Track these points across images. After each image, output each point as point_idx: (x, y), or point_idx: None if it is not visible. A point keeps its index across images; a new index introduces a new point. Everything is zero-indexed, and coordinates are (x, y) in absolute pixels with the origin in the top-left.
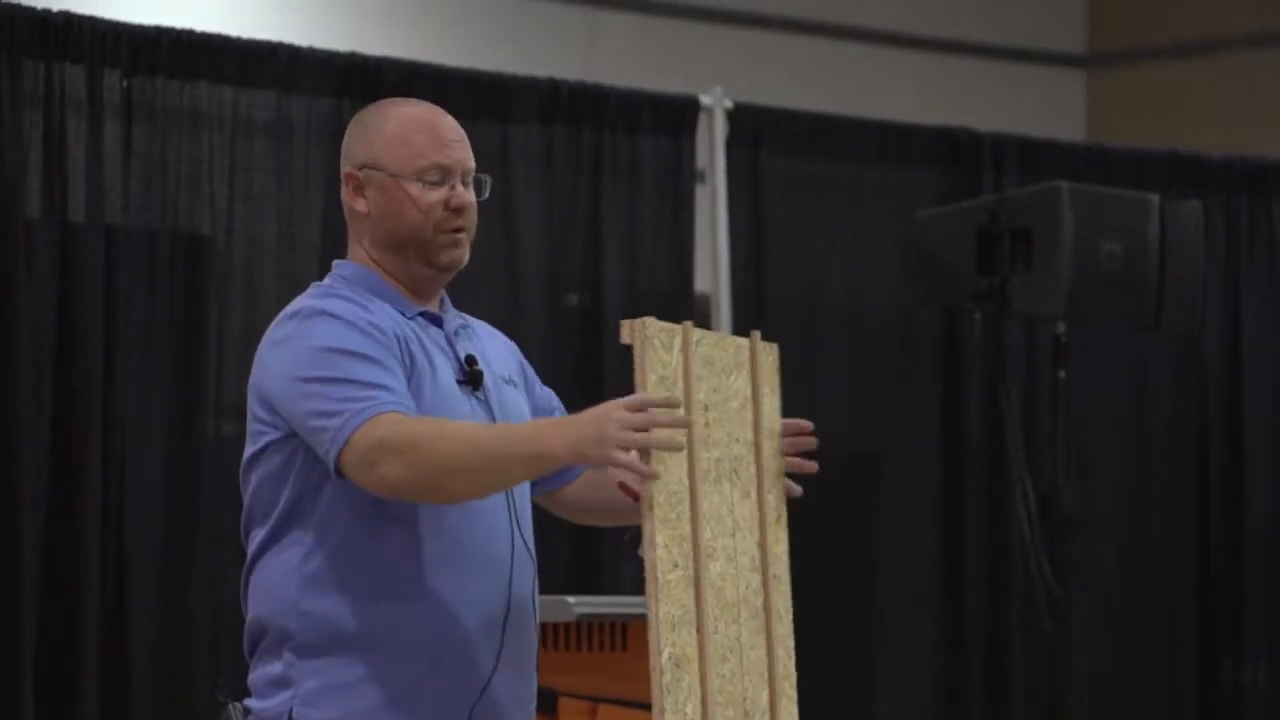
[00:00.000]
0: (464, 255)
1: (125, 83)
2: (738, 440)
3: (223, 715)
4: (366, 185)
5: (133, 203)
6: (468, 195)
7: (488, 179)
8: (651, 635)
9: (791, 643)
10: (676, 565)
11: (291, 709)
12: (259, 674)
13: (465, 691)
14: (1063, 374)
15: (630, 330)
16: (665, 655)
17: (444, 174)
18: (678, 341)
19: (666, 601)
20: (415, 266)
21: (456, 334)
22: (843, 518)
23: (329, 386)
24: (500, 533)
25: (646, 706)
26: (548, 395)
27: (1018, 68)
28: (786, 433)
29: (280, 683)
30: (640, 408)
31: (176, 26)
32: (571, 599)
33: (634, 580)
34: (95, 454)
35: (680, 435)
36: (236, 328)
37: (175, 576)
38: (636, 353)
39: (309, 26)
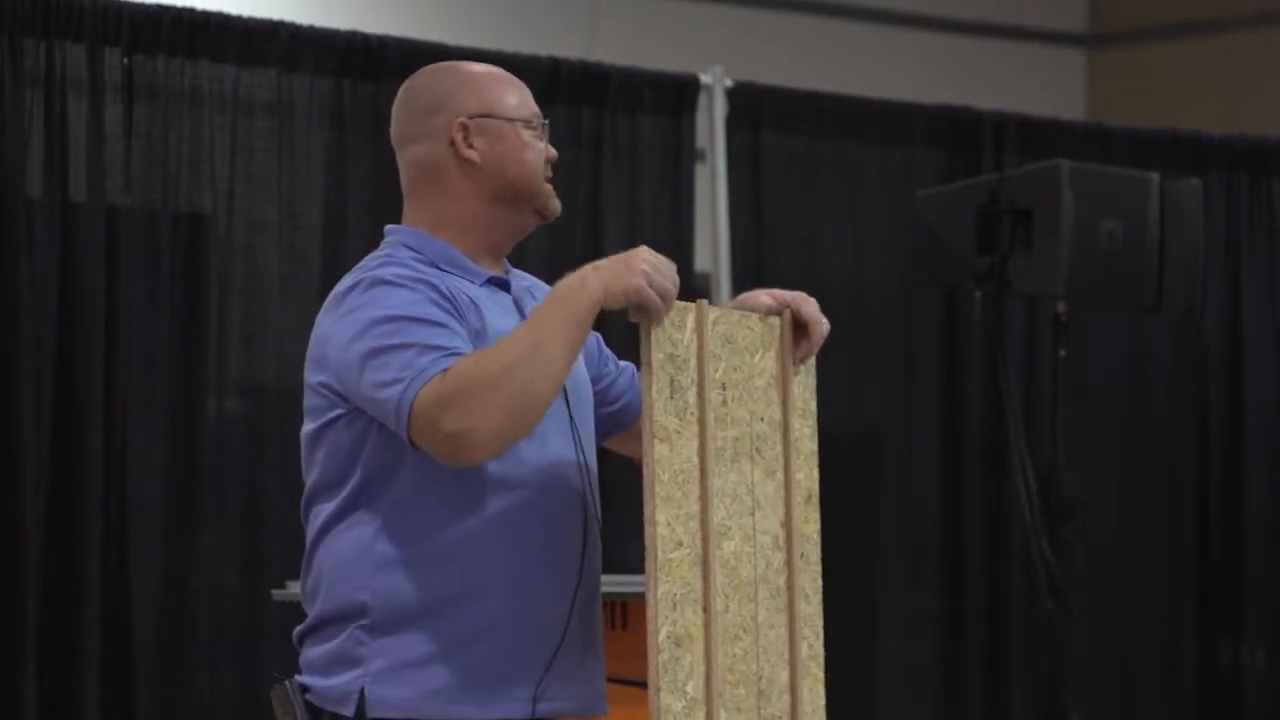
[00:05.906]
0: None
1: (126, 62)
2: (762, 419)
3: (277, 692)
4: (478, 134)
5: (134, 182)
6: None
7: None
8: (650, 614)
9: (820, 623)
10: (681, 544)
11: (363, 687)
12: (319, 651)
13: (533, 668)
14: (1063, 354)
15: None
16: (663, 634)
17: (541, 126)
18: (690, 320)
19: (666, 580)
20: (524, 217)
21: (522, 296)
22: (842, 498)
23: (389, 355)
24: (574, 514)
25: (646, 685)
26: (625, 367)
27: (1018, 47)
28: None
29: (348, 661)
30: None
31: (177, 5)
32: None
33: (635, 559)
34: (96, 433)
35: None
36: (237, 307)
37: (177, 555)
38: (643, 331)
39: (310, 5)
